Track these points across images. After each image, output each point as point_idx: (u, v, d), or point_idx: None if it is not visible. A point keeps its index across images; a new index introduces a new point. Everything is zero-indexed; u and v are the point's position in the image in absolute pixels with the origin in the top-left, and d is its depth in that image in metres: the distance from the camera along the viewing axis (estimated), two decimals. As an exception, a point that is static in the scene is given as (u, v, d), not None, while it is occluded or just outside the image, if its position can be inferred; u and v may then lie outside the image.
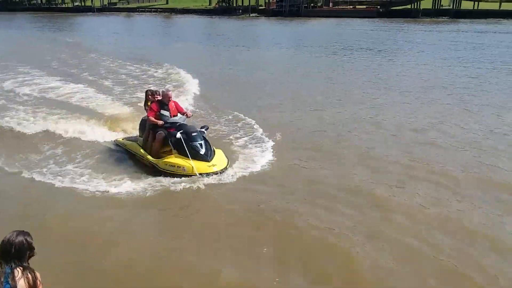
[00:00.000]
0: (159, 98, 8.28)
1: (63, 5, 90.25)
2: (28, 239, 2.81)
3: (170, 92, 8.15)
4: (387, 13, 57.44)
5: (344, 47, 26.10)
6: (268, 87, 15.34)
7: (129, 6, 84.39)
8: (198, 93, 14.24)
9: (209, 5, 77.51)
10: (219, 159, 7.67)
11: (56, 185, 7.27)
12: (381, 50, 24.74)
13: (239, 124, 10.58)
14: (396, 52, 24.23)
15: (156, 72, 18.09)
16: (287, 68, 19.61)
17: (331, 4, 70.07)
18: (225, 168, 7.54)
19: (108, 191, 7.00)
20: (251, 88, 15.53)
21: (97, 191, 7.04)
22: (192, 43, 31.32)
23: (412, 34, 34.98)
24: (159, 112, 7.98)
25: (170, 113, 8.05)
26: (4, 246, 2.77)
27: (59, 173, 7.75)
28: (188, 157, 7.38)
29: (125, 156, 8.68)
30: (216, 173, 7.36)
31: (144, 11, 77.54)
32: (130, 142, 8.91)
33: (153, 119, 7.96)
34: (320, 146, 9.15)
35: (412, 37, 32.61)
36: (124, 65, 19.83)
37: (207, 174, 7.30)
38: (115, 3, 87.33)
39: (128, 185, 7.15)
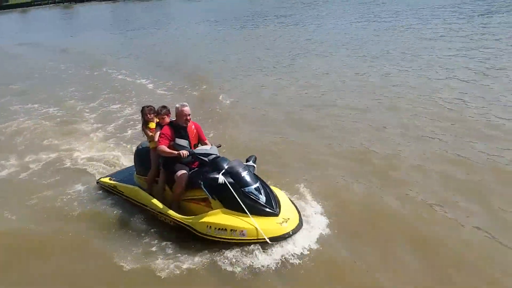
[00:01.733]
0: (167, 118, 5.26)
1: None
2: None
3: (186, 108, 5.02)
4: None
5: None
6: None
7: (23, 1, 73.91)
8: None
9: (111, -11, 70.24)
10: (287, 208, 4.61)
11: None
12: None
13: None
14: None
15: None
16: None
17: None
18: (300, 223, 4.50)
19: None
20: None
21: None
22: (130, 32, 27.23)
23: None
24: (174, 141, 5.00)
25: (189, 141, 5.10)
26: None
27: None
28: (245, 212, 4.38)
29: (123, 208, 5.59)
30: (292, 233, 4.35)
31: (40, 4, 68.58)
32: (130, 186, 5.66)
33: (167, 149, 4.93)
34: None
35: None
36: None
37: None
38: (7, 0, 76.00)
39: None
